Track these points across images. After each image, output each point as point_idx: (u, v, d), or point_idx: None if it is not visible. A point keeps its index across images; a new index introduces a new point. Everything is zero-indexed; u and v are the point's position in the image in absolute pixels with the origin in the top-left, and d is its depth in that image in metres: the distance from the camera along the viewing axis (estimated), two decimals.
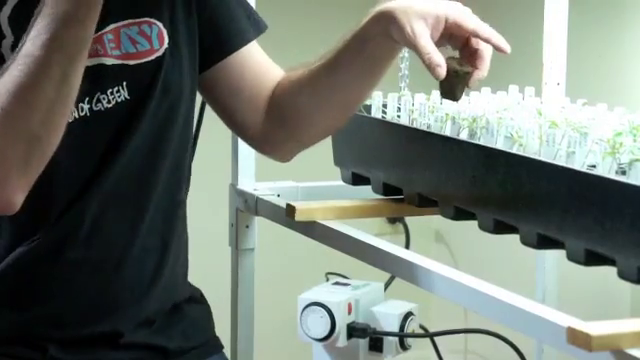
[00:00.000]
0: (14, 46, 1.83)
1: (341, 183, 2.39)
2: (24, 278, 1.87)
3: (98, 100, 1.90)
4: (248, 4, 2.25)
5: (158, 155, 1.98)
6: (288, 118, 2.13)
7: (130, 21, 1.96)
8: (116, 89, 1.93)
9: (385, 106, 2.32)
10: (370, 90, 2.16)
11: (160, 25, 1.99)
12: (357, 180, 2.35)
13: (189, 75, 2.04)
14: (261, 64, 2.18)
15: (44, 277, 1.90)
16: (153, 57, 1.97)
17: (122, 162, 1.93)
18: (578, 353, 1.60)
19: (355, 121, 2.34)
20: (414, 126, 2.21)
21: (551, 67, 2.64)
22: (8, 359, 1.85)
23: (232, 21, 2.14)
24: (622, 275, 1.73)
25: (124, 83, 1.93)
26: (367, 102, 2.36)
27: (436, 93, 2.28)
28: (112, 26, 1.94)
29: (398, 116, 2.28)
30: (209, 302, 2.13)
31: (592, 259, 1.80)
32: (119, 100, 1.93)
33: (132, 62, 1.95)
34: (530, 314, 1.73)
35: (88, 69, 1.85)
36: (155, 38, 1.98)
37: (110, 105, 1.92)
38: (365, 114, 2.34)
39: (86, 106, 1.89)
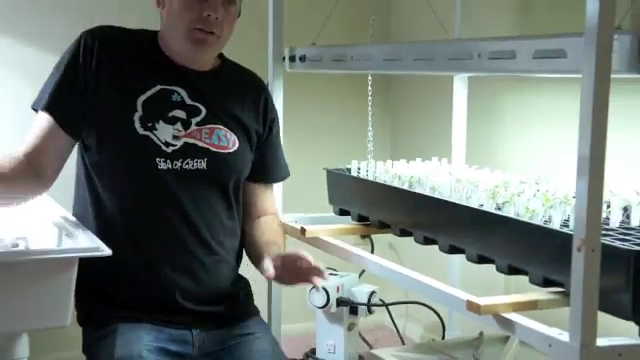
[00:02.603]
0: (142, 119, 1.86)
1: (333, 214, 2.36)
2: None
3: (187, 163, 1.88)
4: (283, 156, 2.18)
5: (219, 203, 1.95)
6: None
7: (222, 127, 1.94)
8: (198, 161, 1.90)
9: (359, 169, 2.29)
10: None
11: (235, 137, 1.96)
12: (343, 212, 2.33)
13: (245, 169, 2.00)
14: (267, 200, 2.11)
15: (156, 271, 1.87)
16: (225, 151, 1.94)
17: (199, 205, 1.90)
18: (473, 316, 1.60)
19: (341, 178, 2.33)
20: (376, 181, 2.19)
21: (457, 146, 2.63)
22: (128, 320, 1.83)
23: (275, 162, 2.10)
24: (499, 269, 1.74)
25: (205, 159, 1.90)
26: (348, 166, 2.34)
27: (389, 162, 2.28)
28: (211, 126, 1.92)
29: (366, 174, 2.26)
30: (254, 285, 2.08)
31: (481, 260, 1.80)
32: (199, 167, 1.89)
33: (213, 149, 1.92)
34: (445, 292, 1.73)
35: (187, 144, 1.89)
36: (231, 142, 1.95)
37: (192, 168, 1.89)
38: (347, 174, 2.32)
39: (179, 164, 1.87)
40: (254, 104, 2.04)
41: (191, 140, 1.90)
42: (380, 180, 2.19)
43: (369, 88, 2.69)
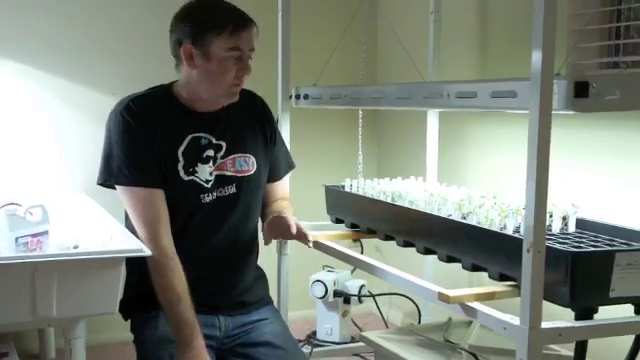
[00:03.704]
0: (184, 167, 1.82)
1: (330, 223, 2.36)
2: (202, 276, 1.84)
3: (221, 191, 1.86)
4: (286, 147, 2.15)
5: (247, 217, 1.93)
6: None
7: (241, 155, 1.91)
8: (229, 187, 1.87)
9: (351, 185, 2.30)
10: None
11: (254, 159, 1.93)
12: (338, 221, 2.33)
13: (264, 181, 1.98)
14: (277, 191, 2.05)
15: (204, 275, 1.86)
16: (248, 174, 1.91)
17: (230, 222, 1.89)
18: (443, 304, 1.60)
19: (337, 193, 2.32)
20: (365, 195, 2.20)
21: (430, 167, 2.62)
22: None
23: (279, 162, 2.05)
24: (464, 267, 1.74)
25: (234, 184, 1.88)
26: (342, 183, 2.33)
27: (376, 180, 2.28)
28: (233, 156, 1.89)
29: (357, 190, 2.26)
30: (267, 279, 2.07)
31: (450, 260, 1.80)
32: (231, 192, 1.87)
33: (239, 175, 1.89)
34: (421, 286, 1.73)
35: (218, 176, 1.86)
36: (251, 165, 1.92)
37: (226, 194, 1.87)
38: (342, 189, 2.32)
39: (216, 194, 1.85)
40: (259, 124, 1.99)
41: (220, 172, 1.87)
42: (368, 195, 2.19)
43: (360, 120, 2.72)
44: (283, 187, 2.10)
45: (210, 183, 1.85)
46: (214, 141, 1.88)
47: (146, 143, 1.79)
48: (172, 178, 1.81)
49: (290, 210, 2.00)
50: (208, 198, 1.85)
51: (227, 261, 1.91)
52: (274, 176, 2.05)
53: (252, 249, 2.00)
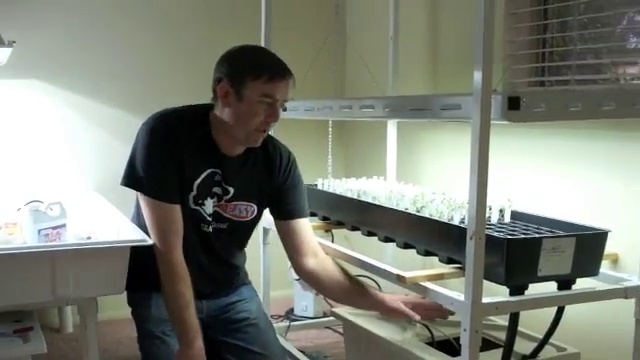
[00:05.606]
0: (195, 197, 1.74)
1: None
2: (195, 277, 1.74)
3: (216, 225, 1.78)
4: (305, 197, 1.91)
5: (235, 247, 1.88)
6: (317, 285, 1.87)
7: (244, 203, 1.81)
8: (222, 224, 1.79)
9: (323, 184, 2.30)
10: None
11: (255, 207, 1.83)
12: (312, 214, 2.24)
13: (254, 226, 1.88)
14: (303, 235, 1.85)
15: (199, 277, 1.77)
16: (243, 220, 1.82)
17: (222, 249, 1.83)
18: (401, 285, 1.61)
19: (311, 191, 2.28)
20: (335, 192, 2.20)
21: (390, 169, 2.61)
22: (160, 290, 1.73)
23: (296, 202, 1.87)
24: (418, 252, 1.76)
25: (227, 224, 1.80)
26: (315, 182, 2.32)
27: (344, 179, 2.29)
28: (235, 202, 1.80)
29: (328, 188, 2.27)
30: (252, 264, 2.05)
31: (406, 246, 1.81)
32: (223, 228, 1.79)
33: (235, 219, 1.80)
34: (382, 269, 1.74)
35: (216, 213, 1.78)
36: (250, 212, 1.82)
37: (218, 227, 1.79)
38: (315, 188, 2.31)
39: (213, 225, 1.78)
40: (274, 174, 1.85)
41: (219, 210, 1.79)
42: (337, 192, 2.20)
43: (330, 129, 2.75)
44: (310, 231, 1.89)
45: (211, 217, 1.78)
46: (223, 183, 1.78)
47: (171, 162, 1.69)
48: (183, 205, 1.72)
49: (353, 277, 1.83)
50: (207, 228, 1.78)
51: (212, 277, 1.86)
52: (295, 213, 1.86)
53: (241, 259, 1.94)
